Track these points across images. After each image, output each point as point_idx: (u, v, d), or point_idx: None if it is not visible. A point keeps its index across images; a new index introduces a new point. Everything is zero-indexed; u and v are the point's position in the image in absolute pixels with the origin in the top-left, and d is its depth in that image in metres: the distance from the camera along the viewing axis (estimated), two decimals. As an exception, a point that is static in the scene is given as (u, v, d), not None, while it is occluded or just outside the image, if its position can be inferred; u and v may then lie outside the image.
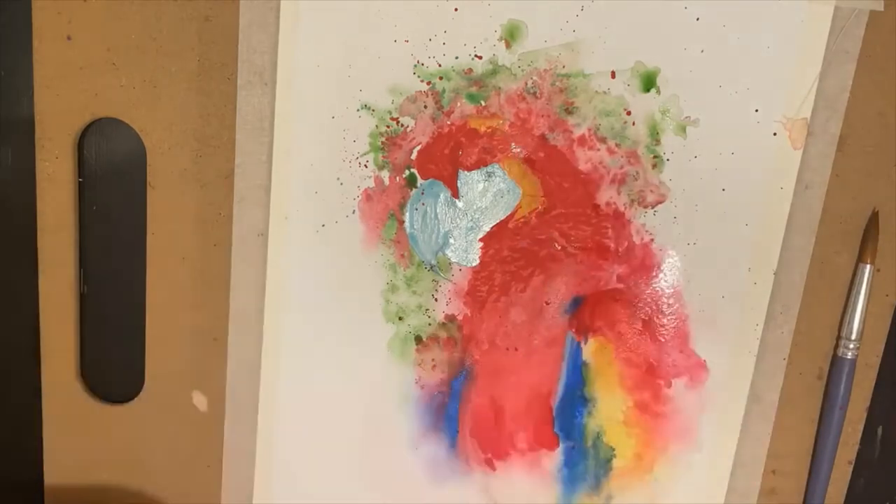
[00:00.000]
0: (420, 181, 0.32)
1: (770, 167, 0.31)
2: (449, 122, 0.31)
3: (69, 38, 0.31)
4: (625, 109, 0.31)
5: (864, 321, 0.33)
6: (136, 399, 0.35)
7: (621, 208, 0.32)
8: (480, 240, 0.33)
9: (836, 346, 0.33)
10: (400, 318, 0.33)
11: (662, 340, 0.33)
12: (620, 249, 0.32)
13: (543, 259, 0.33)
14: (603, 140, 0.31)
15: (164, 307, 0.34)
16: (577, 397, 0.34)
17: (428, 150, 0.32)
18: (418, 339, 0.33)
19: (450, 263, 0.33)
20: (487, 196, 0.32)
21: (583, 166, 0.32)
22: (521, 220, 0.32)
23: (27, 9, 0.31)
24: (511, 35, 0.30)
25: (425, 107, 0.31)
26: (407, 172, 0.32)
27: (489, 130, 0.31)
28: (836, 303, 0.33)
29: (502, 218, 0.32)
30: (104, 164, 0.33)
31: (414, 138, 0.31)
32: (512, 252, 0.33)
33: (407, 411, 0.34)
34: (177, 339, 0.34)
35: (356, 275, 0.33)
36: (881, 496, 0.37)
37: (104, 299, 0.35)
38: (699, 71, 0.30)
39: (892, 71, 0.31)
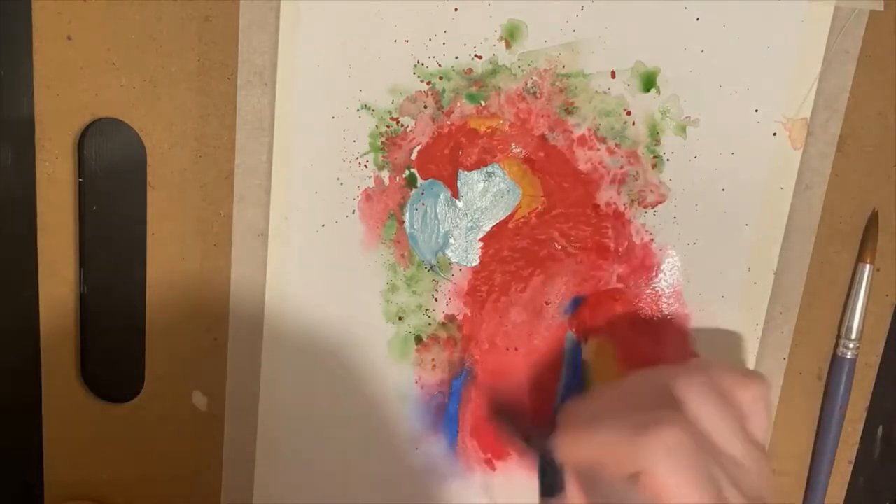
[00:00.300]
0: (420, 181, 0.32)
1: (770, 167, 0.31)
2: (449, 122, 0.31)
3: (69, 38, 0.31)
4: (625, 109, 0.31)
5: (863, 321, 0.33)
6: (136, 399, 0.35)
7: (621, 208, 0.32)
8: (480, 240, 0.33)
9: (836, 346, 0.33)
10: (400, 318, 0.33)
11: (662, 340, 0.33)
12: (620, 249, 0.32)
13: (543, 259, 0.33)
14: (603, 140, 0.31)
15: (164, 307, 0.34)
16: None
17: (428, 150, 0.32)
18: (418, 339, 0.33)
19: (450, 263, 0.33)
20: (487, 196, 0.32)
21: (583, 166, 0.32)
22: (521, 220, 0.32)
23: (27, 9, 0.31)
24: (511, 35, 0.30)
25: (425, 107, 0.31)
26: (407, 172, 0.32)
27: (489, 130, 0.31)
28: (836, 303, 0.33)
29: (502, 218, 0.32)
30: (104, 164, 0.33)
31: (414, 138, 0.31)
32: (512, 252, 0.33)
33: (407, 411, 0.34)
34: (177, 339, 0.34)
35: (356, 275, 0.33)
36: (881, 496, 0.37)
37: (104, 299, 0.35)
38: (699, 71, 0.30)
39: (892, 71, 0.31)
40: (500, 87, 0.31)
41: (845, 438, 0.35)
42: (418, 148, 0.32)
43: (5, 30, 0.32)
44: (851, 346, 0.33)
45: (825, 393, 0.34)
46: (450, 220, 0.32)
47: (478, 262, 0.33)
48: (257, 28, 0.30)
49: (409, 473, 0.35)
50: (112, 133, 0.33)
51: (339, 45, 0.31)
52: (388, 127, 0.31)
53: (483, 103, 0.31)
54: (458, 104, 0.31)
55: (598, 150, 0.31)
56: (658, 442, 0.23)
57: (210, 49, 0.31)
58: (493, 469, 0.35)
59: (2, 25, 0.32)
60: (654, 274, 0.33)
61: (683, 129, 0.31)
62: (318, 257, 0.33)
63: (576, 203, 0.32)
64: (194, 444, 0.35)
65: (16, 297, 0.34)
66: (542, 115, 0.31)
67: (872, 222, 0.32)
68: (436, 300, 0.33)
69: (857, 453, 0.35)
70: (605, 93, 0.31)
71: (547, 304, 0.33)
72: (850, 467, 0.35)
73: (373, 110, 0.31)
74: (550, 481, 0.29)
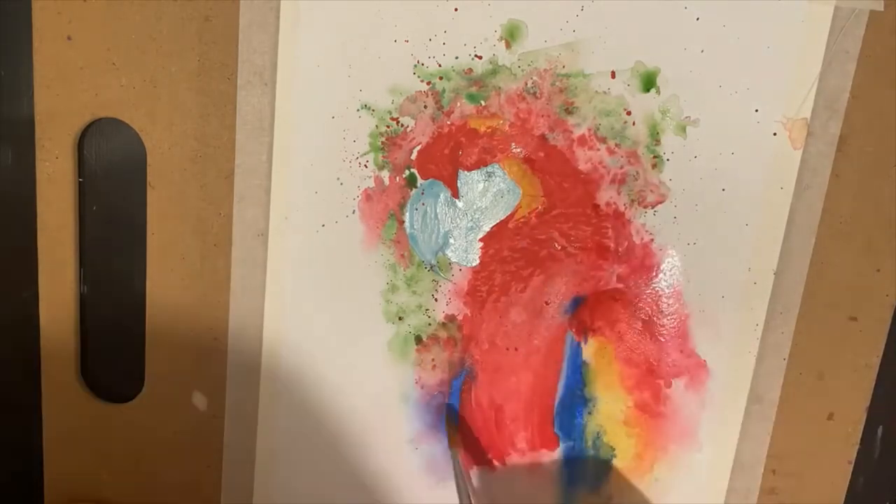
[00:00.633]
0: (420, 181, 0.32)
1: (770, 167, 0.31)
2: (449, 122, 0.31)
3: (69, 38, 0.31)
4: (625, 109, 0.31)
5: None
6: (136, 399, 0.35)
7: (621, 208, 0.32)
8: (480, 240, 0.33)
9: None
10: (400, 318, 0.33)
11: (662, 340, 0.33)
12: (620, 249, 0.32)
13: (543, 259, 0.33)
14: (603, 140, 0.31)
15: (164, 307, 0.34)
16: (577, 397, 0.34)
17: (428, 150, 0.32)
18: (418, 339, 0.33)
19: (450, 263, 0.33)
20: (487, 196, 0.32)
21: (583, 166, 0.32)
22: (521, 220, 0.32)
23: (27, 9, 0.31)
24: (511, 35, 0.30)
25: (425, 107, 0.31)
26: (407, 172, 0.32)
27: (489, 130, 0.31)
28: (836, 303, 0.33)
29: (502, 218, 0.32)
30: (104, 164, 0.33)
31: (414, 138, 0.31)
32: (512, 252, 0.33)
33: (407, 411, 0.34)
34: (177, 339, 0.34)
35: (356, 275, 0.33)
36: (881, 496, 0.37)
37: (104, 299, 0.35)
38: (699, 71, 0.30)
39: (892, 71, 0.31)
40: (500, 87, 0.31)
41: (845, 438, 0.35)
42: (418, 148, 0.32)
43: (5, 30, 0.32)
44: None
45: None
46: (450, 220, 0.32)
47: (478, 262, 0.33)
48: (257, 28, 0.30)
49: (409, 473, 0.35)
50: (112, 133, 0.33)
51: (339, 45, 0.31)
52: (388, 127, 0.31)
53: (483, 103, 0.31)
54: (458, 104, 0.31)
55: (598, 150, 0.31)
56: None
57: (210, 49, 0.31)
58: (493, 469, 0.35)
59: (2, 25, 0.32)
60: (654, 274, 0.33)
61: (683, 129, 0.31)
62: (318, 257, 0.33)
63: (576, 203, 0.32)
64: (194, 444, 0.35)
65: (16, 297, 0.34)
66: (542, 115, 0.31)
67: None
68: (436, 300, 0.33)
69: (857, 453, 0.35)
70: (605, 93, 0.31)
71: (547, 304, 0.33)
72: (850, 467, 0.35)
73: (373, 110, 0.31)
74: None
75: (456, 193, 0.32)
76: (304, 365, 0.34)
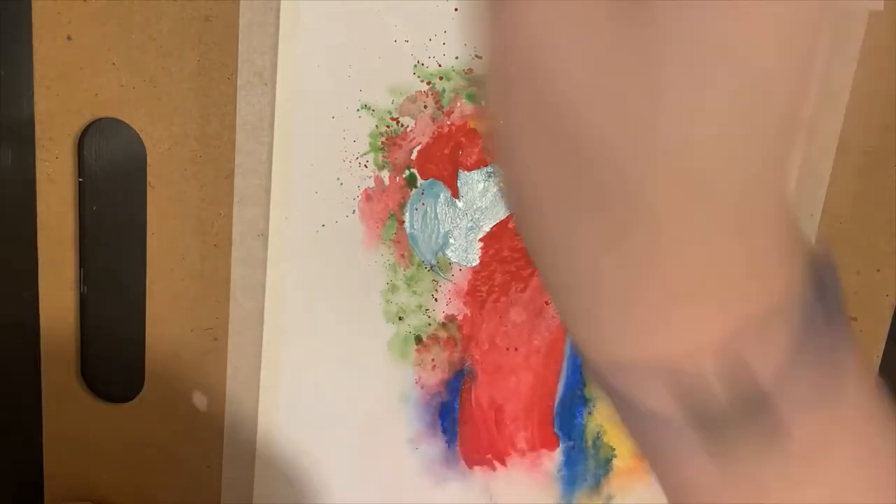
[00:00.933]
0: (420, 181, 0.32)
1: (770, 167, 0.31)
2: (449, 122, 0.31)
3: (69, 38, 0.31)
4: (625, 109, 0.31)
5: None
6: (136, 399, 0.35)
7: (621, 208, 0.32)
8: (480, 240, 0.33)
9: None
10: (400, 318, 0.33)
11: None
12: (620, 249, 0.32)
13: (543, 259, 0.33)
14: (603, 140, 0.31)
15: (164, 307, 0.34)
16: (577, 397, 0.34)
17: (428, 150, 0.32)
18: (418, 339, 0.33)
19: (450, 263, 0.33)
20: (487, 196, 0.32)
21: (583, 166, 0.32)
22: (521, 220, 0.32)
23: (27, 9, 0.31)
24: (511, 35, 0.30)
25: (425, 107, 0.31)
26: (407, 172, 0.32)
27: (489, 130, 0.31)
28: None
29: (502, 218, 0.32)
30: (104, 164, 0.33)
31: (414, 138, 0.31)
32: (512, 252, 0.33)
33: (406, 411, 0.34)
34: (177, 339, 0.34)
35: (356, 275, 0.33)
36: (881, 496, 0.37)
37: (104, 299, 0.35)
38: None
39: (892, 71, 0.31)
40: (500, 87, 0.31)
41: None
42: (418, 148, 0.32)
43: (5, 30, 0.32)
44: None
45: None
46: (450, 220, 0.32)
47: (478, 262, 0.33)
48: (257, 28, 0.30)
49: (409, 473, 0.35)
50: (112, 133, 0.33)
51: (339, 45, 0.31)
52: (388, 127, 0.31)
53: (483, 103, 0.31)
54: (459, 104, 0.31)
55: (598, 150, 0.31)
56: None
57: (210, 49, 0.31)
58: (493, 469, 0.35)
59: (2, 25, 0.32)
60: (654, 274, 0.32)
61: (683, 129, 0.31)
62: (318, 257, 0.33)
63: (576, 203, 0.32)
64: (194, 444, 0.35)
65: (16, 297, 0.34)
66: (542, 115, 0.31)
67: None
68: (436, 300, 0.33)
69: (857, 453, 0.35)
70: (605, 93, 0.31)
71: (547, 304, 0.33)
72: (850, 467, 0.35)
73: (373, 110, 0.31)
74: None
75: (456, 193, 0.32)
76: (304, 365, 0.34)
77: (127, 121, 0.32)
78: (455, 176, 0.32)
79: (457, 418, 0.34)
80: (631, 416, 0.16)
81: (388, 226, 0.32)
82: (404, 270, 0.33)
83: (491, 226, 0.32)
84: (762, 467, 0.15)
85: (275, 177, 0.32)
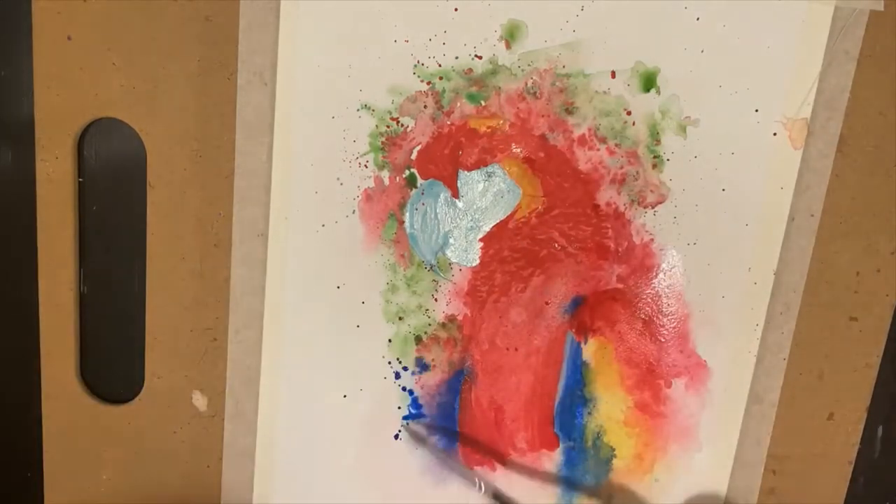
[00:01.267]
0: (420, 181, 0.32)
1: (770, 167, 0.31)
2: (449, 122, 0.31)
3: (69, 38, 0.31)
4: (625, 109, 0.31)
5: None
6: (136, 399, 0.35)
7: (621, 208, 0.32)
8: (480, 240, 0.33)
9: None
10: (400, 318, 0.33)
11: (662, 340, 0.33)
12: (620, 249, 0.32)
13: (543, 259, 0.33)
14: (603, 140, 0.31)
15: (164, 307, 0.34)
16: (577, 397, 0.34)
17: (428, 150, 0.32)
18: (418, 339, 0.33)
19: (450, 263, 0.33)
20: (487, 196, 0.32)
21: (583, 166, 0.32)
22: (521, 220, 0.32)
23: (27, 9, 0.31)
24: (511, 35, 0.30)
25: (425, 107, 0.31)
26: (407, 172, 0.32)
27: (489, 130, 0.31)
28: (836, 303, 0.33)
29: (502, 218, 0.32)
30: (104, 164, 0.33)
31: (414, 138, 0.31)
32: (512, 252, 0.33)
33: (406, 411, 0.34)
34: (177, 339, 0.34)
35: (356, 275, 0.33)
36: (881, 496, 0.37)
37: (104, 299, 0.35)
38: (699, 71, 0.30)
39: (892, 71, 0.31)
40: (500, 87, 0.31)
41: (845, 438, 0.35)
42: (418, 148, 0.32)
43: (5, 30, 0.32)
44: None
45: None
46: (450, 220, 0.32)
47: (478, 262, 0.33)
48: (257, 28, 0.30)
49: (410, 473, 0.35)
50: (112, 133, 0.33)
51: (339, 45, 0.31)
52: (388, 127, 0.31)
53: (483, 103, 0.31)
54: (458, 104, 0.31)
55: (598, 150, 0.31)
56: None
57: (210, 49, 0.31)
58: (493, 469, 0.35)
59: (2, 25, 0.32)
60: (654, 274, 0.33)
61: (683, 129, 0.31)
62: (318, 257, 0.33)
63: (576, 203, 0.32)
64: (194, 444, 0.35)
65: (16, 297, 0.34)
66: (542, 115, 0.31)
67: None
68: (436, 300, 0.33)
69: (857, 453, 0.35)
70: (605, 93, 0.31)
71: (547, 304, 0.33)
72: (851, 467, 0.35)
73: (373, 110, 0.31)
74: None
75: (456, 193, 0.32)
76: (304, 365, 0.34)
77: (127, 121, 0.32)
78: (455, 176, 0.32)
79: (457, 418, 0.34)
80: None
81: (388, 226, 0.32)
82: (404, 270, 0.33)
83: (491, 226, 0.32)
84: None
85: (275, 177, 0.32)
